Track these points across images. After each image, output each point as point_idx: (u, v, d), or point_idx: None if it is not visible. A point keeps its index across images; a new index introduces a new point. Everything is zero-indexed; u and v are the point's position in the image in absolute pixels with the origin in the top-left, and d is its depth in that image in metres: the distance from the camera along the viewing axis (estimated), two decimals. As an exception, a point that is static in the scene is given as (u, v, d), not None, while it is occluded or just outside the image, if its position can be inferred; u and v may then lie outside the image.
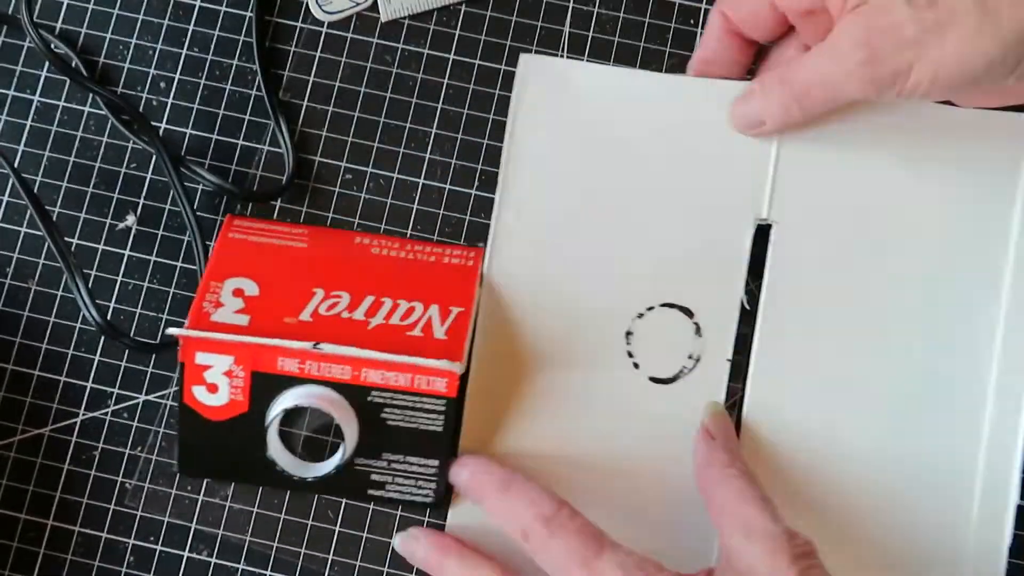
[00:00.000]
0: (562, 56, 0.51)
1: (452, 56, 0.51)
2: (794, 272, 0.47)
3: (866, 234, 0.46)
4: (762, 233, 0.47)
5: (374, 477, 0.45)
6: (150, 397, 0.49)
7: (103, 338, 0.49)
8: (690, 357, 0.47)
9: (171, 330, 0.44)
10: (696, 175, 0.47)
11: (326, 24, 0.51)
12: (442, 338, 0.45)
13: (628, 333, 0.47)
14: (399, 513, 0.48)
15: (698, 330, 0.46)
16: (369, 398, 0.45)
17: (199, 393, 0.45)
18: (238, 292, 0.46)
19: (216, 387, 0.44)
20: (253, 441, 0.45)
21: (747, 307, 0.47)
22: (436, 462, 0.45)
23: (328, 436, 0.47)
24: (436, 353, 0.44)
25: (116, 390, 0.49)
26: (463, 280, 0.47)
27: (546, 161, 0.48)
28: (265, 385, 0.44)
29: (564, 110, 0.48)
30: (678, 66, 0.50)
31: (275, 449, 0.45)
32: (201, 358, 0.44)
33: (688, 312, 0.47)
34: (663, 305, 0.47)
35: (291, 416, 0.47)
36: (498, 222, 0.48)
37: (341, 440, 0.45)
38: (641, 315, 0.47)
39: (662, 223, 0.47)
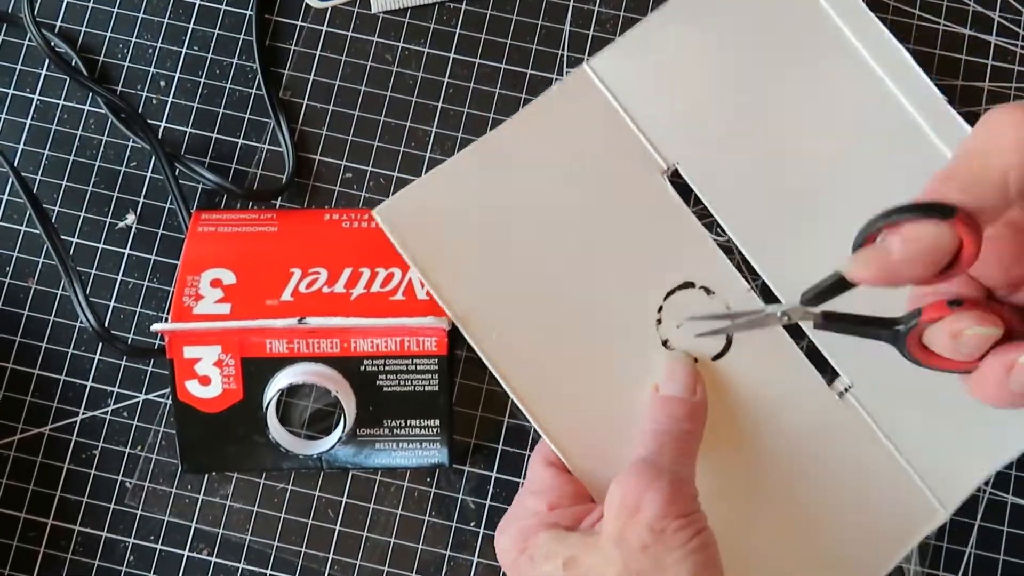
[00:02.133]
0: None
1: (452, 55, 0.51)
2: (724, 189, 0.46)
3: (742, 129, 0.46)
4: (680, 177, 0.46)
5: (379, 446, 0.46)
6: (150, 396, 0.49)
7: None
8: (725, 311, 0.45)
9: (155, 326, 0.44)
10: (595, 177, 0.46)
11: (326, 21, 0.51)
12: (425, 299, 0.45)
13: (659, 322, 0.45)
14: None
15: (707, 292, 0.46)
16: (362, 367, 0.45)
17: (192, 387, 0.45)
18: (216, 282, 0.46)
19: (208, 379, 0.45)
20: (253, 427, 0.45)
21: (720, 238, 0.46)
22: (437, 422, 0.45)
23: (328, 411, 0.48)
24: (421, 314, 0.44)
25: (116, 389, 0.49)
26: None
27: (473, 264, 0.44)
28: (256, 369, 0.45)
29: (447, 221, 0.44)
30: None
31: (276, 431, 0.45)
32: (189, 352, 0.44)
33: (690, 284, 0.46)
34: (667, 296, 0.46)
35: (288, 396, 0.47)
36: (477, 342, 0.44)
37: (341, 413, 0.45)
38: (660, 309, 0.46)
39: (595, 231, 0.45)
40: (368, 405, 0.45)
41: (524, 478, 0.48)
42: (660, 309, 0.45)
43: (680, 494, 0.38)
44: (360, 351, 0.45)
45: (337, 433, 0.46)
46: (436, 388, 0.45)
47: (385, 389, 0.45)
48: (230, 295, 0.45)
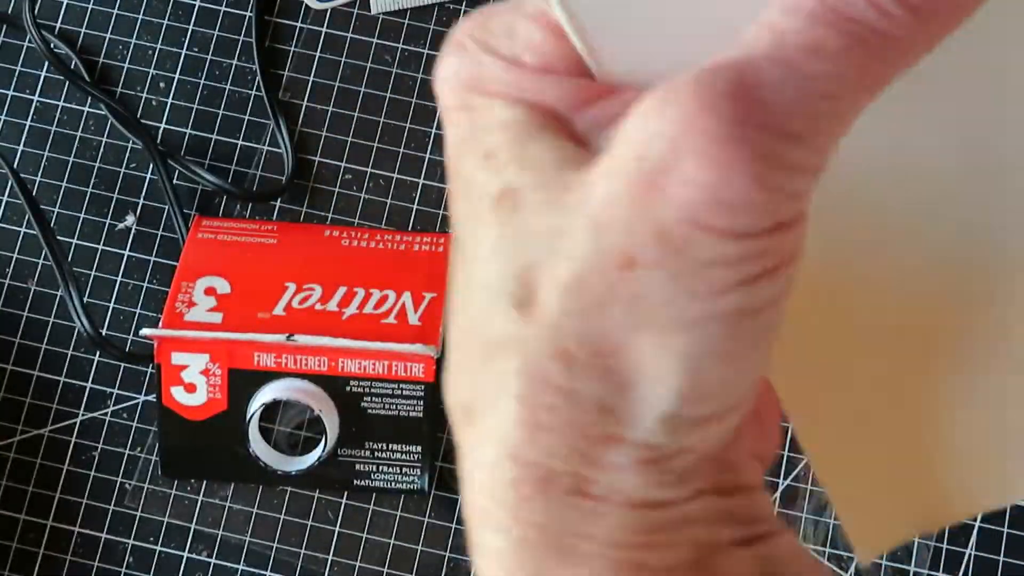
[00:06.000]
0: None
1: (452, 56, 0.51)
2: None
3: None
4: None
5: (358, 467, 0.46)
6: (149, 398, 0.49)
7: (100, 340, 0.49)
8: None
9: (144, 331, 0.44)
10: None
11: (326, 22, 0.51)
12: (416, 324, 0.45)
13: None
14: (399, 514, 0.48)
15: None
16: (348, 388, 0.45)
17: (177, 394, 0.45)
18: (210, 291, 0.46)
19: (194, 386, 0.45)
20: (235, 439, 0.45)
21: None
22: (419, 448, 0.46)
23: (310, 429, 0.47)
24: (411, 339, 0.45)
25: (115, 390, 0.49)
26: (434, 266, 0.47)
27: None
28: (243, 381, 0.45)
29: None
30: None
31: (257, 445, 0.45)
32: (177, 358, 0.45)
33: None
34: None
35: (272, 411, 0.47)
36: None
37: (323, 432, 0.45)
38: None
39: None
40: (351, 426, 0.45)
41: None
42: None
43: (774, 177, 0.16)
44: (347, 371, 0.45)
45: (318, 451, 0.45)
46: (420, 415, 0.45)
47: (369, 411, 0.45)
48: (223, 304, 0.45)
